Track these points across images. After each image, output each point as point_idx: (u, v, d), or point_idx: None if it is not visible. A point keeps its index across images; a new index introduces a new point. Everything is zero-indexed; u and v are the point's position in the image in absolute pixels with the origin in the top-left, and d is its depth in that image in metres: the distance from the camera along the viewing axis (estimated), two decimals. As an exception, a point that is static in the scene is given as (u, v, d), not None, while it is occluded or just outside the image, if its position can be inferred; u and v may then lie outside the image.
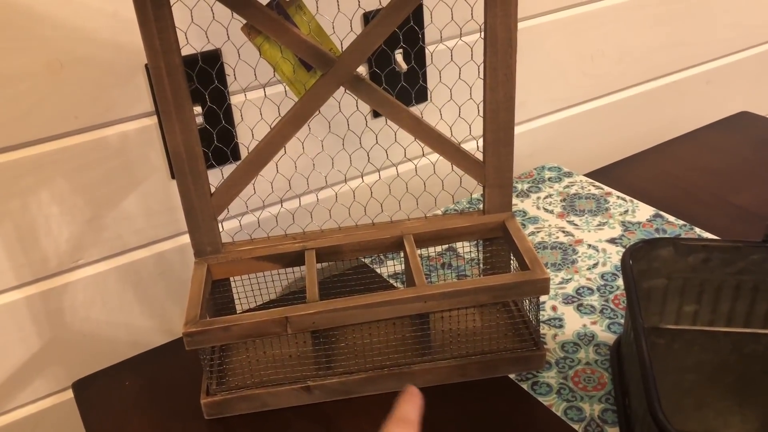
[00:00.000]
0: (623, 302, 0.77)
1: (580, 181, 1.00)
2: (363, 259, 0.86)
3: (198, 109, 0.75)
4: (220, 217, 0.69)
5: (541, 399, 0.66)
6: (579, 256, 0.84)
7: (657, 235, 0.87)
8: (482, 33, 0.64)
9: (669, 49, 1.16)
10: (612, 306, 0.77)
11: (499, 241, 0.74)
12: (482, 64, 0.65)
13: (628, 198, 0.95)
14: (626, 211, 0.92)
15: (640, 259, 0.66)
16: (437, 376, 0.68)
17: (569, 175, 1.02)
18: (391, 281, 0.83)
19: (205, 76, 0.74)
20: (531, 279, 0.64)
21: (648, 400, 0.50)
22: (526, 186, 1.00)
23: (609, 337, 0.73)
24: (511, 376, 0.69)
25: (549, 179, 1.01)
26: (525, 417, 0.65)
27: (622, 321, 0.74)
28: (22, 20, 0.67)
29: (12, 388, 0.81)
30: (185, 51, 0.61)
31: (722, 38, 1.22)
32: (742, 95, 1.30)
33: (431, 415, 0.66)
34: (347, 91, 0.65)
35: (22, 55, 0.68)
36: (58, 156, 0.73)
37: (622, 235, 0.87)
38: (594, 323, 0.74)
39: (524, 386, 0.68)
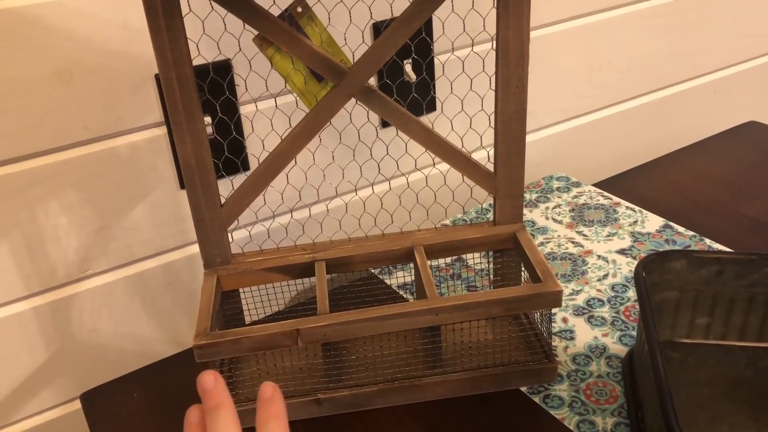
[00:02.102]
0: (634, 314, 0.76)
1: (589, 191, 1.00)
2: (372, 270, 0.86)
3: (208, 120, 0.75)
4: (229, 228, 0.68)
5: (553, 412, 0.66)
6: (589, 267, 0.84)
7: (667, 246, 0.87)
8: (494, 44, 0.64)
9: (676, 58, 1.16)
10: (623, 318, 0.76)
11: (510, 253, 0.73)
12: (494, 75, 0.65)
13: (637, 208, 0.95)
14: (635, 222, 0.92)
15: (653, 271, 0.65)
16: (448, 388, 0.68)
17: (577, 185, 1.02)
18: (401, 292, 0.83)
19: (216, 86, 0.74)
20: (543, 291, 0.63)
21: (664, 415, 0.50)
22: (534, 196, 1.00)
23: (620, 350, 0.72)
24: (523, 389, 0.69)
25: (557, 189, 1.01)
26: (537, 430, 0.65)
27: (634, 333, 0.74)
28: (32, 30, 0.66)
29: (19, 399, 0.80)
30: (196, 62, 0.61)
31: (729, 48, 1.22)
32: (749, 105, 1.30)
33: (442, 429, 0.66)
34: (358, 102, 0.65)
35: (33, 65, 0.68)
36: (67, 166, 0.73)
37: (632, 246, 0.87)
38: (605, 335, 0.74)
39: (536, 399, 0.67)
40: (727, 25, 1.19)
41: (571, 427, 0.64)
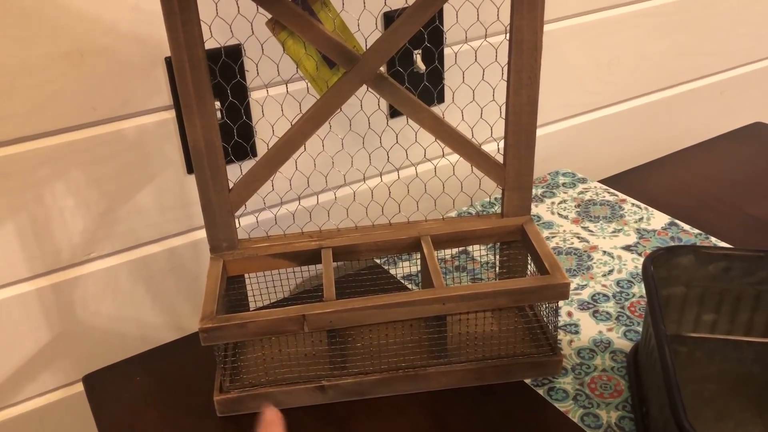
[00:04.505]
0: (639, 310, 0.76)
1: (595, 187, 1.00)
2: (376, 260, 0.86)
3: (218, 104, 0.75)
4: (237, 213, 0.68)
5: (557, 405, 0.66)
6: (594, 263, 0.84)
7: (673, 244, 0.86)
8: (507, 34, 0.63)
9: (684, 58, 1.16)
10: (628, 313, 0.76)
11: (517, 245, 0.73)
12: (506, 66, 0.65)
13: (643, 205, 0.94)
14: (641, 219, 0.92)
15: (660, 265, 0.65)
16: (453, 379, 0.68)
17: (583, 181, 1.01)
18: (405, 283, 0.82)
19: (227, 70, 0.74)
20: (551, 283, 0.63)
21: (673, 409, 0.49)
22: (540, 191, 0.99)
23: (625, 345, 0.72)
24: (527, 381, 0.68)
25: (563, 185, 1.01)
26: (541, 423, 0.65)
27: (639, 329, 0.74)
28: (43, 10, 0.66)
29: (20, 381, 0.80)
30: (208, 45, 0.61)
31: (737, 48, 1.22)
32: (756, 106, 1.29)
33: (446, 419, 0.66)
34: (369, 89, 0.65)
35: (42, 45, 0.67)
36: (74, 147, 0.73)
37: (638, 243, 0.87)
38: (610, 330, 0.74)
39: (540, 392, 0.67)
40: (735, 26, 1.18)
41: (575, 420, 0.64)
